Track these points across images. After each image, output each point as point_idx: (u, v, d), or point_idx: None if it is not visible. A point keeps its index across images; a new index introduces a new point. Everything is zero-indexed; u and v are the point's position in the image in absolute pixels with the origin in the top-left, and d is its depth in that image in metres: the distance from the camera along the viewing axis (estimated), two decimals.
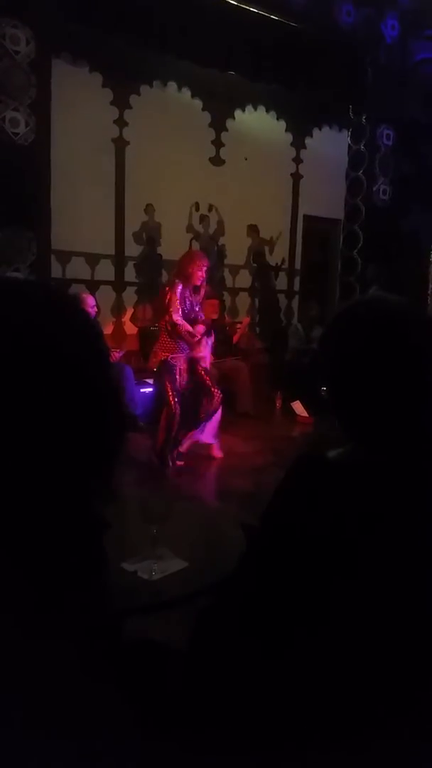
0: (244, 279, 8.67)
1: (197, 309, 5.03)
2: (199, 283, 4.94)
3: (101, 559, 0.92)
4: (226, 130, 8.24)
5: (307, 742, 0.86)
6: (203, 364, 5.17)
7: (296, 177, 9.08)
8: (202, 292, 5.04)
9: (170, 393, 4.87)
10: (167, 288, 4.96)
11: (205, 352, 5.18)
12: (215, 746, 0.91)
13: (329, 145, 8.85)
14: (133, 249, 7.64)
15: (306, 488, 0.93)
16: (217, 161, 8.21)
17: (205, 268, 4.95)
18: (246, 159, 8.31)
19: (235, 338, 7.46)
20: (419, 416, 0.95)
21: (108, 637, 0.95)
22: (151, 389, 6.45)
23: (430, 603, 0.85)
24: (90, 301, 6.01)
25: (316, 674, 0.86)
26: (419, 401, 0.95)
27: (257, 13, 6.36)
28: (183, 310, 4.88)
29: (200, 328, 4.99)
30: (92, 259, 7.33)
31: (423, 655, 0.85)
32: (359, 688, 0.85)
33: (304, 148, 9.07)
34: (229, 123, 8.25)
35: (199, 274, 4.92)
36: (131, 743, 0.91)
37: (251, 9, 6.31)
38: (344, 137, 8.18)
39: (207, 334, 5.10)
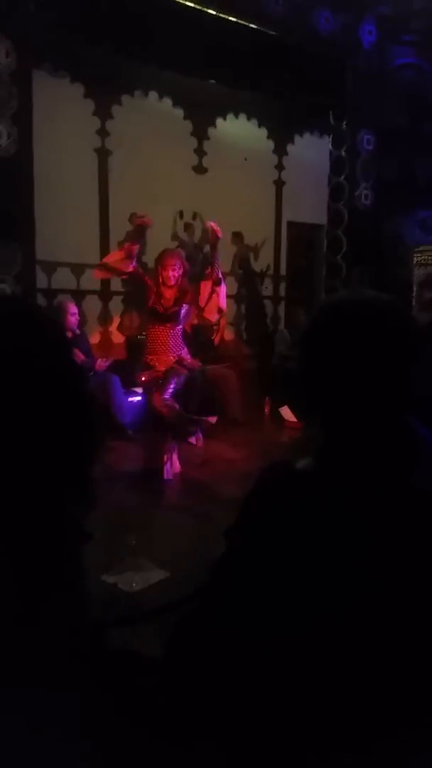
0: (230, 286, 8.68)
1: (175, 309, 4.73)
2: (170, 283, 4.63)
3: (78, 569, 0.93)
4: (208, 138, 8.28)
5: (285, 751, 0.86)
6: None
7: (279, 184, 9.13)
8: (173, 292, 4.69)
9: None
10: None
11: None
12: (196, 755, 0.91)
13: (311, 151, 8.89)
14: None
15: (270, 497, 0.94)
16: (199, 169, 8.25)
17: (176, 268, 4.63)
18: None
19: (216, 340, 7.42)
20: (397, 415, 0.96)
21: (88, 649, 0.96)
22: (139, 398, 6.44)
23: (393, 602, 0.86)
24: (71, 309, 6.00)
25: (293, 681, 0.87)
26: (399, 401, 0.95)
27: (236, 22, 6.40)
28: (154, 305, 4.70)
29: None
30: (78, 269, 7.33)
31: (394, 659, 0.85)
32: (334, 692, 0.85)
33: (286, 154, 9.12)
34: (210, 131, 8.29)
35: (164, 274, 4.63)
36: (111, 752, 0.91)
37: (230, 18, 6.35)
38: (325, 143, 8.22)
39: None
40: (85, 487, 0.94)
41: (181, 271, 4.68)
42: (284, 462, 0.97)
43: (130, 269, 4.72)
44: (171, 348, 4.76)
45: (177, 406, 4.76)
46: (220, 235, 4.97)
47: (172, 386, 4.73)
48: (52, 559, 0.81)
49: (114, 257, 4.83)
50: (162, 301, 4.69)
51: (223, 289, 4.91)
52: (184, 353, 4.87)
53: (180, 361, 4.79)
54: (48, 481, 0.82)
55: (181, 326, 4.84)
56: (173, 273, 4.63)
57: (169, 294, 4.68)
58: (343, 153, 7.84)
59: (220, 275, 4.87)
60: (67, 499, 0.87)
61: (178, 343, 4.81)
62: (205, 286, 4.82)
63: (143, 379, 4.89)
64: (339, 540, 0.86)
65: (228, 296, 8.60)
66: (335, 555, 0.86)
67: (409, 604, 0.85)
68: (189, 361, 4.91)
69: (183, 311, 4.78)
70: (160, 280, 4.67)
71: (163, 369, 4.75)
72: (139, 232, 4.87)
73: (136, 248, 4.74)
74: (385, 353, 0.93)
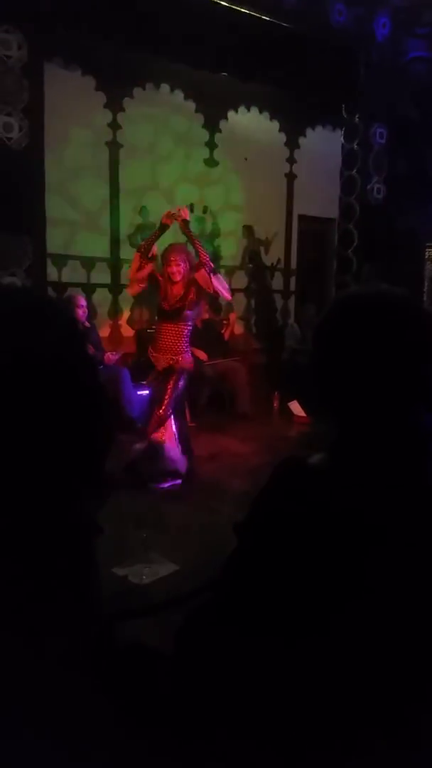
0: (240, 280, 8.67)
1: (180, 305, 4.61)
2: (175, 279, 4.55)
3: (90, 562, 0.93)
4: (220, 131, 8.24)
5: (290, 750, 0.86)
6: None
7: (290, 177, 9.08)
8: (179, 288, 4.60)
9: None
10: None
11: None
12: (202, 753, 0.92)
13: (323, 144, 8.85)
14: (128, 252, 7.63)
15: (284, 492, 0.93)
16: (211, 162, 8.22)
17: (180, 263, 4.55)
18: (246, 159, 8.33)
19: (226, 335, 7.43)
20: (410, 412, 0.95)
21: (98, 641, 0.96)
22: (147, 391, 6.45)
23: (406, 600, 0.85)
24: (80, 301, 6.02)
25: (302, 679, 0.87)
26: (412, 397, 0.95)
27: (249, 14, 6.37)
28: (161, 302, 4.66)
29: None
30: (88, 263, 7.34)
31: (406, 658, 0.85)
32: (344, 691, 0.85)
33: (298, 147, 9.07)
34: (222, 124, 8.26)
35: (168, 270, 4.57)
36: (120, 747, 0.92)
37: (243, 10, 6.31)
38: (338, 136, 8.18)
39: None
40: (97, 481, 0.94)
41: (186, 267, 4.58)
42: (297, 457, 0.97)
43: (145, 273, 4.66)
44: (172, 348, 4.64)
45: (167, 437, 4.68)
46: (186, 216, 4.73)
47: (178, 388, 4.67)
48: (64, 553, 0.81)
49: (135, 268, 4.70)
50: (168, 298, 4.62)
51: (218, 279, 4.67)
52: (185, 356, 4.70)
53: (172, 367, 4.65)
54: (60, 474, 0.82)
55: (188, 325, 4.70)
56: (177, 268, 4.55)
57: (175, 290, 4.60)
58: (356, 146, 7.79)
59: (209, 262, 4.62)
60: (79, 493, 0.87)
61: (182, 344, 4.66)
62: (202, 275, 4.56)
63: (148, 379, 4.89)
64: (352, 537, 0.86)
65: (238, 290, 8.64)
66: (348, 552, 0.86)
67: (422, 602, 0.85)
68: (188, 360, 4.73)
69: (192, 309, 4.66)
70: (166, 276, 4.61)
71: (162, 368, 4.67)
72: (161, 230, 4.74)
73: (154, 249, 4.68)
74: (398, 348, 0.93)
